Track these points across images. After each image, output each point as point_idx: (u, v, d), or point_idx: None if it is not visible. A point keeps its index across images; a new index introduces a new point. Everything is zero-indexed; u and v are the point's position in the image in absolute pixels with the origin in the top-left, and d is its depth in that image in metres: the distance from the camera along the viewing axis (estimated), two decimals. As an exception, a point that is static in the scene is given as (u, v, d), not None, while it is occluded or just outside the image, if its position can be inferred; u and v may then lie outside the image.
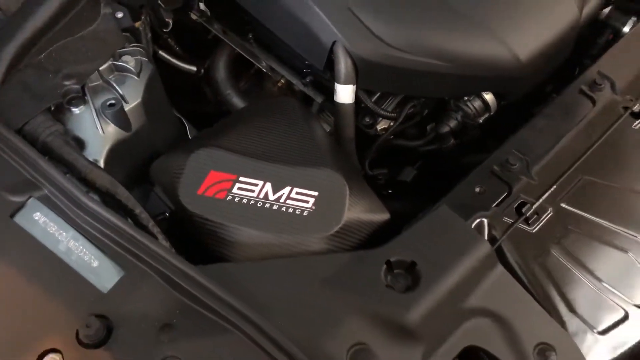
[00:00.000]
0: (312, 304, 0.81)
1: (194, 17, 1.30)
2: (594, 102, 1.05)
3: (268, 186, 0.89)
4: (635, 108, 1.04)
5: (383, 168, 1.21)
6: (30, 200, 0.83)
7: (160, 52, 1.39)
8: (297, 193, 0.89)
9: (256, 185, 0.89)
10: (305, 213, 0.88)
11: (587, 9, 1.20)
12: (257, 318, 0.76)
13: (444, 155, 1.20)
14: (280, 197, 0.88)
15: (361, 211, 0.91)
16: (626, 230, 0.93)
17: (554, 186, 0.95)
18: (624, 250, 0.92)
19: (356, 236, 0.90)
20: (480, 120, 1.12)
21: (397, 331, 0.80)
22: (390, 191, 1.21)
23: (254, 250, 0.87)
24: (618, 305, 0.88)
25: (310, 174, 0.90)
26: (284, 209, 0.88)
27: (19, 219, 0.82)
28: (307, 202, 0.88)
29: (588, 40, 1.31)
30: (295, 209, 0.88)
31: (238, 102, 1.31)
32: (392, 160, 1.27)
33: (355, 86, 1.06)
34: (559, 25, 1.10)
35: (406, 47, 1.02)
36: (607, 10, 1.31)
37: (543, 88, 1.26)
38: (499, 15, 1.05)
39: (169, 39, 1.45)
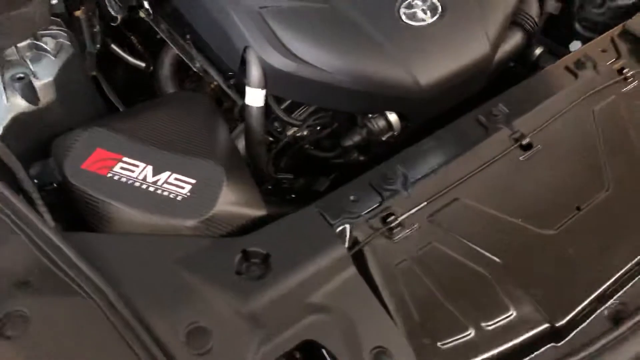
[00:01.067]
0: (162, 280, 0.86)
1: (141, 15, 1.38)
2: (487, 131, 1.10)
3: (149, 169, 0.95)
4: (525, 141, 1.09)
5: (295, 177, 1.26)
6: None
7: (112, 46, 1.47)
8: (175, 179, 0.95)
9: (137, 166, 0.95)
10: (179, 198, 0.93)
11: (506, 47, 1.25)
12: (105, 287, 0.81)
13: (351, 168, 1.25)
14: (158, 180, 0.94)
15: (235, 203, 0.96)
16: (489, 254, 0.97)
17: (425, 202, 0.99)
18: (483, 271, 0.96)
19: (227, 227, 0.95)
20: (383, 138, 1.17)
21: (238, 315, 0.84)
22: (293, 196, 1.26)
23: (125, 228, 0.92)
24: (464, 322, 0.91)
25: (192, 163, 0.96)
26: (159, 191, 0.93)
27: None
28: (183, 188, 0.94)
29: (519, 78, 1.36)
30: (170, 193, 0.93)
31: (176, 99, 1.38)
32: (310, 170, 1.32)
33: (264, 91, 1.12)
34: (466, 57, 1.15)
35: (313, 60, 1.09)
36: (538, 51, 1.37)
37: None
38: (405, 42, 1.11)
39: (132, 36, 1.54)
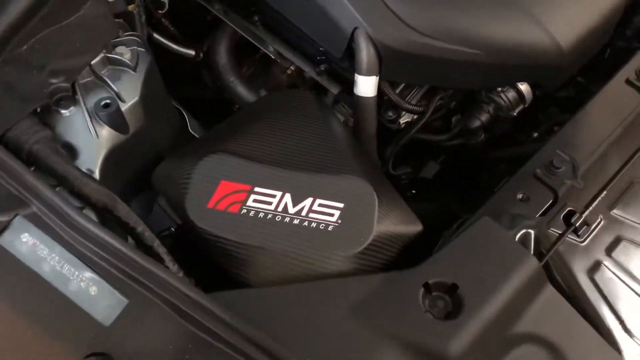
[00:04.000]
0: (342, 334, 0.71)
1: (191, -4, 1.18)
2: (641, 93, 0.95)
3: (287, 197, 0.78)
4: (687, 100, 0.94)
5: (407, 166, 1.11)
6: (17, 219, 0.72)
7: (155, 35, 1.26)
8: (320, 205, 0.78)
9: (274, 196, 0.78)
10: (330, 228, 0.78)
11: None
12: (280, 353, 0.66)
13: (470, 149, 1.10)
14: (301, 209, 0.78)
15: (392, 224, 0.81)
16: (683, 240, 0.84)
17: (605, 192, 0.85)
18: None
19: (387, 252, 0.80)
20: (514, 113, 1.02)
21: (440, 365, 0.71)
22: (414, 192, 1.10)
23: (273, 271, 0.77)
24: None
25: (334, 182, 0.80)
26: (305, 223, 0.77)
27: (4, 240, 0.71)
28: (332, 215, 0.78)
29: (621, 20, 1.20)
30: (318, 224, 0.78)
31: (243, 91, 1.20)
32: (412, 156, 1.17)
33: (378, 77, 0.95)
34: (604, 8, 0.99)
35: (437, 34, 0.91)
36: None
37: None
38: (540, -1, 0.94)
39: (164, 20, 1.33)
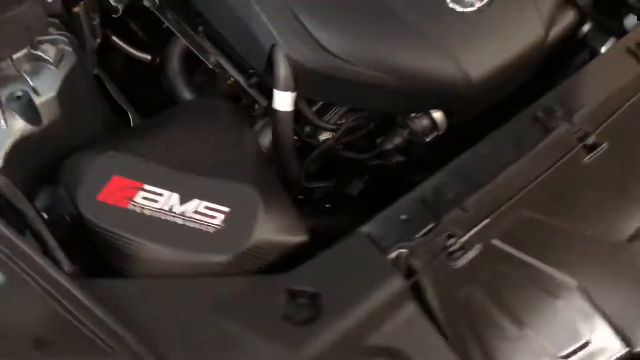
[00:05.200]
0: (200, 331, 0.75)
1: (146, 4, 1.24)
2: (547, 130, 0.98)
3: (175, 197, 0.83)
4: (589, 141, 0.97)
5: (325, 180, 1.15)
6: None
7: (113, 38, 1.33)
8: (206, 207, 0.83)
9: (162, 195, 0.83)
10: (211, 230, 0.82)
11: (557, 28, 1.12)
12: (134, 343, 0.71)
13: (389, 170, 1.13)
14: (186, 210, 0.83)
15: (274, 231, 0.85)
16: (559, 275, 0.87)
17: (487, 220, 0.88)
18: (555, 295, 0.86)
19: (267, 258, 0.84)
20: (427, 139, 1.05)
21: (289, 367, 0.74)
22: (328, 205, 1.14)
23: (154, 266, 0.81)
24: (542, 356, 0.82)
25: (224, 187, 0.85)
26: (189, 223, 0.82)
27: None
28: (215, 217, 0.83)
29: (563, 60, 1.23)
30: (201, 225, 0.82)
31: (188, 96, 1.25)
32: (340, 172, 1.21)
33: (294, 93, 0.99)
34: (519, 45, 1.02)
35: (350, 58, 0.95)
36: (586, 28, 1.23)
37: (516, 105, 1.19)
38: (453, 31, 0.98)
39: (132, 25, 1.40)
